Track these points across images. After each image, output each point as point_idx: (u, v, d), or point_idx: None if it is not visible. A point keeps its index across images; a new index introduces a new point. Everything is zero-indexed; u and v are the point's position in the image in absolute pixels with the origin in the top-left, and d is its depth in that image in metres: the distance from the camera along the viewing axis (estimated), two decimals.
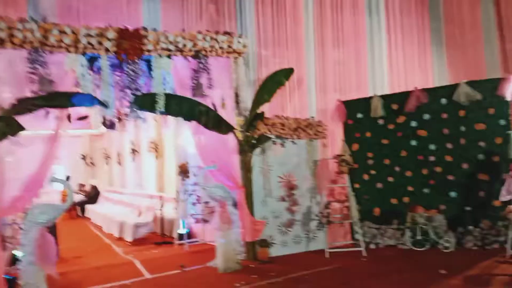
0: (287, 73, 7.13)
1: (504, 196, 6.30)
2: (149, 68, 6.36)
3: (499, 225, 6.68)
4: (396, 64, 9.32)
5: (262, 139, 6.98)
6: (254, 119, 6.84)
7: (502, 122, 6.80)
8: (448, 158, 7.15)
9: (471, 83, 6.99)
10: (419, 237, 7.01)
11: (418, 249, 6.99)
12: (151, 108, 6.25)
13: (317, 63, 8.52)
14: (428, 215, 6.92)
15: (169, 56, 6.40)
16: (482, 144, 6.92)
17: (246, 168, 6.88)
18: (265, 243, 6.85)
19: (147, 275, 6.30)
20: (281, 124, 7.23)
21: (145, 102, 6.28)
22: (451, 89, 7.16)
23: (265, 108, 7.25)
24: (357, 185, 7.74)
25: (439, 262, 6.17)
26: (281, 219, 7.24)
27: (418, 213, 6.93)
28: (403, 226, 7.29)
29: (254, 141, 6.83)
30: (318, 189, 7.43)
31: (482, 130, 6.92)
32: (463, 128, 7.05)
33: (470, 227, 6.87)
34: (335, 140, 8.18)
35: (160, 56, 6.34)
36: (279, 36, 8.14)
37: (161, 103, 6.15)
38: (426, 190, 7.30)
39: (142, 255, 7.63)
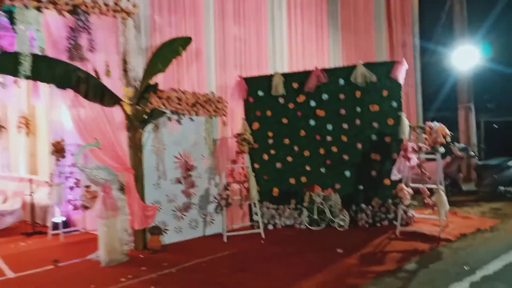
0: (185, 42, 6.39)
1: (394, 175, 6.56)
2: (11, 21, 5.11)
3: (389, 203, 6.99)
4: (295, 43, 9.21)
5: (155, 114, 6.20)
6: (145, 90, 6.02)
7: (394, 104, 7.06)
8: (344, 138, 7.24)
9: (367, 65, 7.10)
10: (315, 217, 7.01)
11: (314, 228, 6.99)
12: (14, 72, 5.06)
13: (216, 36, 7.92)
14: (324, 195, 6.93)
15: (38, 9, 5.21)
16: (375, 125, 7.12)
17: (136, 147, 6.06)
18: (157, 230, 6.17)
19: (10, 274, 5.18)
20: (177, 98, 6.53)
21: (5, 63, 5.07)
22: (349, 70, 7.20)
23: (159, 80, 6.47)
24: (256, 165, 7.46)
25: (335, 241, 6.20)
26: (176, 203, 6.61)
27: (315, 192, 6.89)
28: (301, 206, 7.24)
29: (145, 116, 6.02)
30: (217, 169, 6.95)
31: (376, 112, 7.12)
32: (358, 109, 7.17)
33: (363, 206, 7.07)
34: (235, 118, 7.77)
35: (27, 7, 5.12)
36: (175, 2, 7.32)
37: (26, 66, 4.99)
38: (322, 170, 7.32)
39: (5, 249, 6.36)
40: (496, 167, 8.64)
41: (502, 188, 8.47)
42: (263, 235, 6.68)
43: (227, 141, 7.00)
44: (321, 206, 6.97)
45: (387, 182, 7.02)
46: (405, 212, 6.81)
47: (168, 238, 6.43)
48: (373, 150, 7.13)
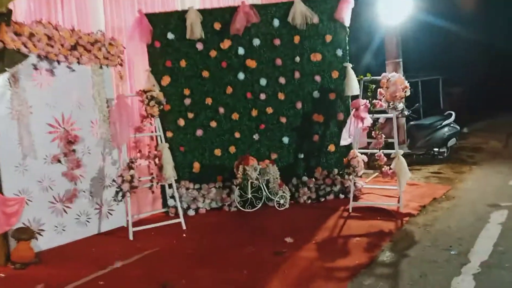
0: None
1: (344, 139, 5.34)
2: None
3: (334, 173, 5.81)
4: None
5: (10, 57, 4.02)
6: None
7: (340, 52, 5.76)
8: (281, 96, 5.79)
9: (307, 2, 5.64)
10: (249, 196, 5.55)
11: (249, 210, 5.54)
12: None
13: None
14: (260, 168, 5.46)
15: None
16: (317, 78, 5.78)
17: None
18: (25, 234, 4.14)
19: None
20: (47, 36, 4.36)
21: None
22: (285, 7, 5.67)
23: (16, 8, 4.23)
24: (170, 134, 5.68)
25: (278, 226, 4.85)
26: (55, 191, 4.58)
27: (249, 166, 5.38)
28: (230, 184, 5.71)
29: None
30: (114, 141, 5.02)
31: (318, 62, 5.76)
32: (297, 59, 5.74)
33: (305, 178, 5.79)
34: (137, 70, 5.79)
35: None
36: None
37: None
38: (256, 137, 5.81)
39: None
40: (429, 127, 8.05)
41: (436, 149, 7.93)
42: (183, 225, 5.03)
43: (127, 101, 5.07)
44: (257, 182, 5.51)
45: (331, 148, 5.82)
46: (355, 184, 5.71)
47: (45, 243, 4.44)
48: (315, 110, 5.81)
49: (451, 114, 8.21)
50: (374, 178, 6.48)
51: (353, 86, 5.65)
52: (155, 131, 5.31)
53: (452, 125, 8.15)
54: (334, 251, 4.07)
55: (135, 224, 4.94)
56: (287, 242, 4.33)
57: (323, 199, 5.75)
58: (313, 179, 5.77)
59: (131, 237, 4.77)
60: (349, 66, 5.70)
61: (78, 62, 4.73)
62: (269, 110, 5.78)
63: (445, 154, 8.05)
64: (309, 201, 5.72)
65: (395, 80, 5.10)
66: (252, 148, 5.79)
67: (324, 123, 5.82)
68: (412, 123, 8.45)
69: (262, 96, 5.76)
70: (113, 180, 4.93)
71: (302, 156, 5.83)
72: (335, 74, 5.77)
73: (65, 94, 4.67)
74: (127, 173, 4.76)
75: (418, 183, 6.48)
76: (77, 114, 4.77)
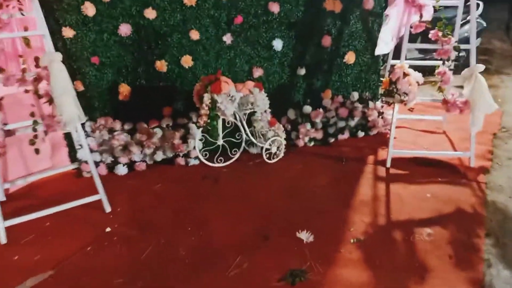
0: None
1: (384, 44, 3.11)
2: None
3: (354, 99, 3.67)
4: None
5: None
6: None
7: None
8: None
9: None
10: (221, 143, 3.31)
11: (220, 164, 3.35)
12: None
13: None
14: (239, 95, 3.13)
15: None
16: None
17: None
18: None
19: None
20: None
21: None
22: None
23: None
24: (69, 32, 3.08)
25: (274, 199, 2.77)
26: None
27: (220, 93, 3.01)
28: (187, 120, 3.40)
29: None
30: None
31: None
32: None
33: (307, 109, 3.61)
34: None
35: None
36: None
37: None
38: (227, 39, 3.36)
39: None
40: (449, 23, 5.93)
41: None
42: (106, 206, 2.77)
43: None
44: (233, 120, 3.23)
45: (350, 58, 3.59)
46: (381, 115, 3.67)
47: None
48: None
49: (478, 5, 6.10)
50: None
51: None
52: (32, 27, 2.67)
53: (478, 20, 6.09)
54: (396, 269, 2.13)
55: (12, 206, 2.60)
56: (304, 243, 2.32)
57: (332, 140, 3.67)
58: (320, 110, 3.59)
59: (3, 240, 2.47)
60: None
61: None
62: None
63: (461, 61, 6.13)
64: (313, 144, 3.63)
65: None
66: (221, 60, 3.39)
67: (342, 15, 3.47)
68: None
69: None
70: None
71: (303, 72, 3.55)
72: None
73: None
74: None
75: None
76: None
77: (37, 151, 2.55)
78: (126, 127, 3.32)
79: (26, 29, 2.65)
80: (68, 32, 3.07)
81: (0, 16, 2.46)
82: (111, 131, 3.28)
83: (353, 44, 3.55)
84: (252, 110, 3.25)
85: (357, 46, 3.55)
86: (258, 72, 3.46)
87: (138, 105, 3.35)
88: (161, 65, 3.30)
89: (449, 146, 3.54)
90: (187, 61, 3.32)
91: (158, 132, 3.31)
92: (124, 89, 3.30)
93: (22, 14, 2.57)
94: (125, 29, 3.17)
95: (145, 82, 3.33)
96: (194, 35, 3.28)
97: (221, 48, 3.37)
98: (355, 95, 3.67)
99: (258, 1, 3.32)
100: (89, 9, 3.07)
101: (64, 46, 3.07)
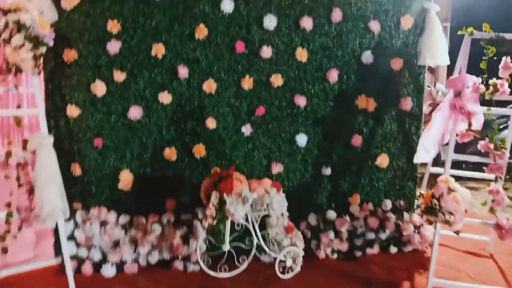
0: None
1: (426, 152, 2.70)
2: None
3: (386, 208, 3.18)
4: None
5: None
6: None
7: None
8: (301, 55, 3.00)
9: None
10: (226, 246, 2.81)
11: (224, 274, 2.81)
12: None
13: None
14: (253, 195, 2.70)
15: None
16: (373, 26, 3.04)
17: None
18: None
19: None
20: None
21: None
22: None
23: None
24: (75, 111, 2.85)
25: None
26: None
27: (231, 193, 2.59)
28: (191, 216, 2.96)
29: None
30: None
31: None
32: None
33: (331, 214, 3.13)
34: None
35: None
36: None
37: None
38: (246, 130, 3.03)
39: None
40: None
41: None
42: None
43: None
44: (244, 223, 2.76)
45: (383, 161, 3.17)
46: (418, 229, 3.15)
47: None
48: (362, 89, 3.10)
49: None
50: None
51: (439, 47, 2.98)
52: (25, 105, 2.41)
53: None
54: None
55: None
56: None
57: (359, 254, 3.13)
58: (347, 217, 3.10)
59: None
60: (433, 8, 3.00)
61: None
62: (276, 80, 2.99)
63: None
64: (336, 257, 3.09)
65: None
66: (238, 152, 3.03)
67: (375, 114, 3.13)
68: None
69: (265, 52, 2.94)
70: None
71: (328, 172, 3.14)
72: (406, 22, 3.04)
73: None
74: None
75: None
76: None
77: (4, 250, 2.12)
78: (122, 220, 2.89)
79: (19, 106, 2.38)
80: (73, 111, 2.81)
81: None
82: (102, 223, 2.85)
83: (387, 146, 3.16)
84: (266, 213, 2.80)
85: (392, 148, 3.15)
86: (277, 168, 3.07)
87: (138, 196, 2.96)
88: (171, 153, 2.96)
89: (499, 277, 2.93)
90: (199, 150, 2.98)
91: (157, 229, 2.86)
92: (126, 177, 2.93)
93: (17, 90, 2.31)
94: (135, 112, 2.89)
95: (150, 170, 2.97)
96: (211, 123, 2.97)
97: (239, 139, 3.03)
98: (388, 203, 3.18)
99: (283, 93, 3.03)
100: (99, 88, 2.83)
101: (67, 125, 2.80)
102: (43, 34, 2.19)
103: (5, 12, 2.20)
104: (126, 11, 2.80)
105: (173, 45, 2.88)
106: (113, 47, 2.82)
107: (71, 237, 2.79)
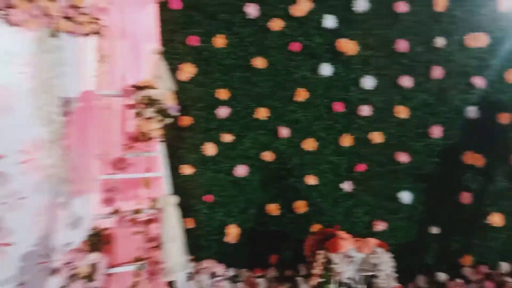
0: None
1: None
2: None
3: (503, 271, 2.94)
4: None
5: None
6: None
7: None
8: (402, 112, 3.03)
9: None
10: None
11: None
12: None
13: None
14: (360, 255, 2.69)
15: None
16: (477, 81, 2.98)
17: None
18: None
19: None
20: None
21: None
22: None
23: None
24: (188, 169, 3.10)
25: None
26: None
27: (337, 252, 2.62)
28: (294, 272, 3.01)
29: None
30: (73, 184, 2.46)
31: (481, 50, 2.96)
32: (440, 41, 2.97)
33: (440, 276, 2.96)
34: (135, 48, 3.21)
35: None
36: None
37: None
38: (347, 186, 3.07)
39: None
40: None
41: None
42: None
43: (102, 105, 2.53)
44: (349, 282, 2.74)
45: (496, 220, 2.96)
46: None
47: None
48: (469, 145, 3.00)
49: None
50: None
51: None
52: (153, 168, 2.72)
53: None
54: None
55: None
56: None
57: None
58: (460, 280, 2.91)
59: None
60: None
61: (4, 20, 2.24)
62: (377, 137, 3.03)
63: None
64: None
65: None
66: (338, 208, 3.07)
67: (484, 170, 2.98)
68: None
69: (365, 111, 3.02)
70: (54, 270, 2.34)
71: (436, 230, 3.01)
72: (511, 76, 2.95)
73: None
74: (84, 259, 2.18)
75: None
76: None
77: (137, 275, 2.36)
78: (230, 272, 3.04)
79: (148, 170, 2.71)
80: (187, 169, 3.10)
81: (125, 157, 2.55)
82: (213, 276, 3.02)
83: (500, 204, 2.96)
84: (373, 274, 2.74)
85: (506, 207, 2.95)
86: (380, 226, 3.03)
87: (244, 249, 3.10)
88: (273, 209, 3.09)
89: None
90: (300, 206, 3.07)
91: (262, 284, 2.95)
92: (233, 230, 3.11)
93: (146, 155, 2.65)
94: (241, 170, 3.10)
95: (254, 225, 3.12)
96: (311, 180, 3.06)
97: (339, 195, 3.07)
98: (505, 266, 2.94)
99: (383, 149, 3.05)
100: (210, 149, 3.10)
101: (181, 183, 3.08)
102: (170, 107, 2.52)
103: (139, 89, 2.57)
104: (234, 80, 3.09)
105: (275, 108, 3.09)
106: (222, 111, 3.10)
107: None
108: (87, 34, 2.60)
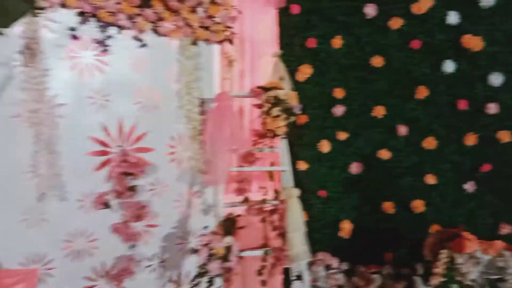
0: None
1: None
2: None
3: None
4: None
5: (13, 10, 2.06)
6: None
7: None
8: None
9: None
10: None
11: None
12: None
13: None
14: (486, 257, 2.61)
15: None
16: None
17: None
18: None
19: None
20: None
21: None
22: None
23: None
24: (303, 165, 3.25)
25: None
26: (98, 259, 2.52)
27: (462, 252, 2.57)
28: (410, 271, 3.01)
29: None
30: (209, 175, 2.77)
31: None
32: None
33: None
34: (257, 52, 3.46)
35: None
36: None
37: None
38: (470, 187, 2.99)
39: None
40: None
41: None
42: None
43: (233, 106, 2.80)
44: (472, 285, 2.67)
45: None
46: None
47: None
48: None
49: None
50: None
51: None
52: (277, 163, 2.92)
53: None
54: None
55: None
56: None
57: None
58: None
59: None
60: None
61: (154, 30, 2.61)
62: (504, 136, 2.89)
63: None
64: None
65: None
66: (459, 209, 2.99)
67: None
68: None
69: (492, 108, 2.90)
70: (194, 250, 2.66)
71: None
72: None
73: (126, 86, 2.59)
74: (220, 241, 2.46)
75: None
76: (145, 123, 2.65)
77: (264, 282, 2.58)
78: (343, 266, 3.13)
79: (272, 164, 2.92)
80: (302, 165, 3.26)
81: (253, 152, 2.78)
82: (328, 267, 3.14)
83: None
84: (498, 277, 2.64)
85: None
86: (507, 229, 2.89)
87: (358, 245, 3.17)
88: (389, 207, 3.11)
89: None
90: (418, 206, 3.05)
91: (377, 280, 3.00)
92: (346, 226, 3.20)
93: (271, 150, 2.86)
94: (356, 167, 3.18)
95: (368, 222, 3.17)
96: (430, 179, 3.03)
97: (461, 196, 2.98)
98: None
99: (510, 148, 2.89)
100: (325, 146, 3.23)
101: (296, 178, 3.25)
102: (294, 106, 2.70)
103: (266, 90, 2.79)
104: (350, 79, 3.17)
105: (392, 106, 3.11)
106: (337, 110, 3.21)
107: (299, 277, 3.15)
108: (220, 42, 2.90)
